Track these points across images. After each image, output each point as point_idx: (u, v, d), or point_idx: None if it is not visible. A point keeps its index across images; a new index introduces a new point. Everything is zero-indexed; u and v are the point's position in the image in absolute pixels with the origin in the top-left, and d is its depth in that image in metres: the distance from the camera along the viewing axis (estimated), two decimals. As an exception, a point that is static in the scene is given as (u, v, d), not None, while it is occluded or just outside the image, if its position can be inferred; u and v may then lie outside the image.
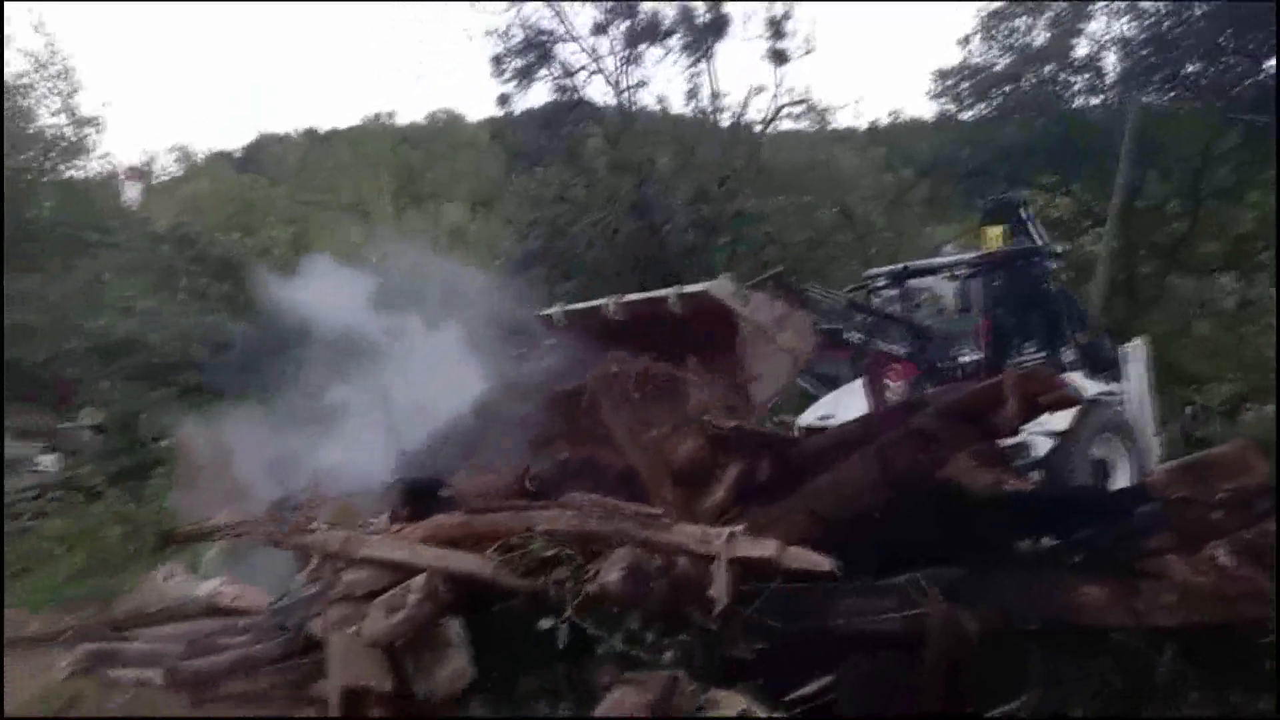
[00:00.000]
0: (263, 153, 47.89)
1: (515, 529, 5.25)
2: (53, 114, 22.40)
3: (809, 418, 8.93)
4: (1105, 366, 9.64)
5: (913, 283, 9.44)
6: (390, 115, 49.86)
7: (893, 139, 28.51)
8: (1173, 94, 20.40)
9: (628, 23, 23.14)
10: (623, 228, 18.48)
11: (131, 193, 28.06)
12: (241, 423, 8.27)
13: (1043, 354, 9.41)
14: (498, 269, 20.36)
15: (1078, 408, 8.11)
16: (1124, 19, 21.12)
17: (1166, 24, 18.72)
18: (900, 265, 9.82)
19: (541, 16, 23.55)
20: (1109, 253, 19.78)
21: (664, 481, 5.96)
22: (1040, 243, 10.22)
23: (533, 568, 5.06)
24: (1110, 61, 22.93)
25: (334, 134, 48.75)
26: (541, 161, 21.59)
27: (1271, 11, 14.36)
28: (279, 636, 5.11)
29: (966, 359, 8.84)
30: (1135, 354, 9.75)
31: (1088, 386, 9.06)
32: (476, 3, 24.21)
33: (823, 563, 4.58)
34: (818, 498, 5.65)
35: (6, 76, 21.58)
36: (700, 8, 23.48)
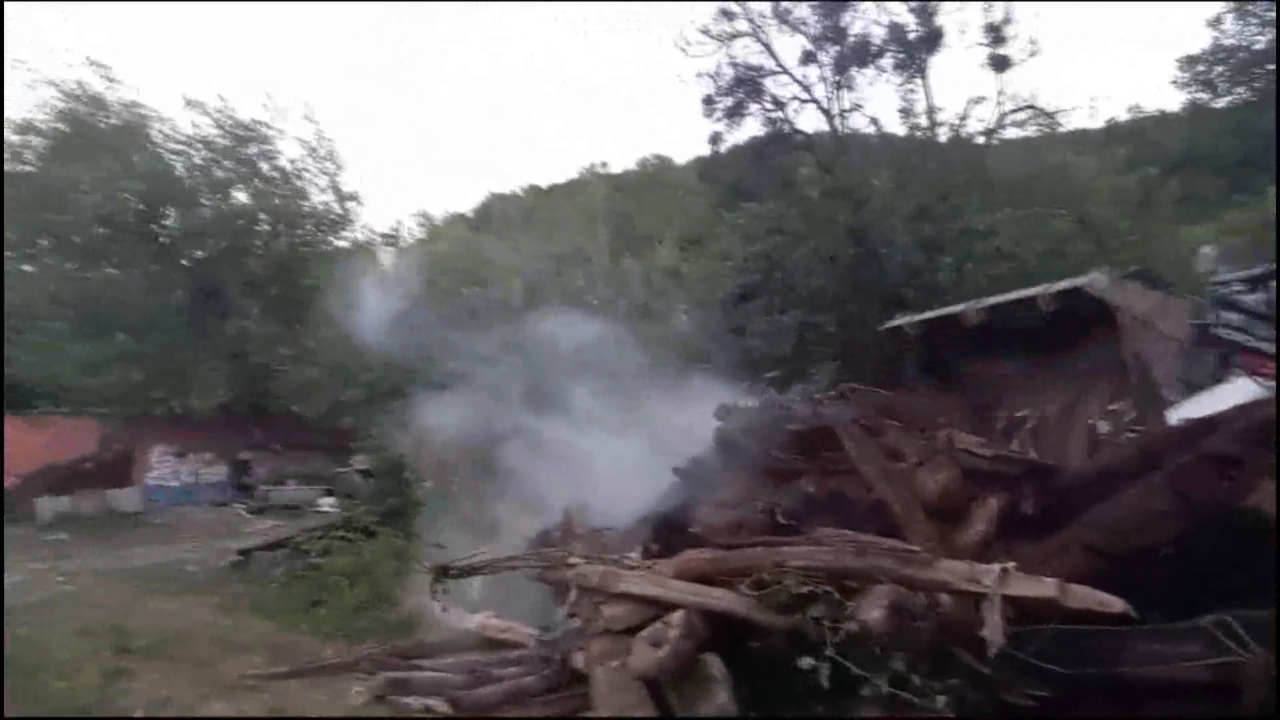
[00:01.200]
0: (492, 211, 51.64)
1: (766, 565, 5.20)
2: (321, 191, 25.41)
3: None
4: None
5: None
6: (604, 165, 52.27)
7: (1135, 136, 26.16)
8: None
9: (836, 48, 22.88)
10: (840, 254, 18.13)
11: (385, 257, 31.12)
12: (500, 462, 8.82)
13: None
14: (717, 305, 20.58)
15: None
16: None
17: None
18: (1261, 267, 9.15)
19: (750, 52, 23.82)
20: None
21: (917, 515, 5.70)
22: None
23: (787, 604, 4.98)
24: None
25: (554, 188, 51.71)
26: (754, 196, 21.68)
27: None
28: (546, 668, 5.35)
29: None
30: None
31: None
32: (687, 47, 24.74)
33: (1114, 603, 4.19)
34: (1097, 530, 5.19)
35: (286, 163, 24.71)
36: (912, 23, 22.83)
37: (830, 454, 6.77)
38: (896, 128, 24.18)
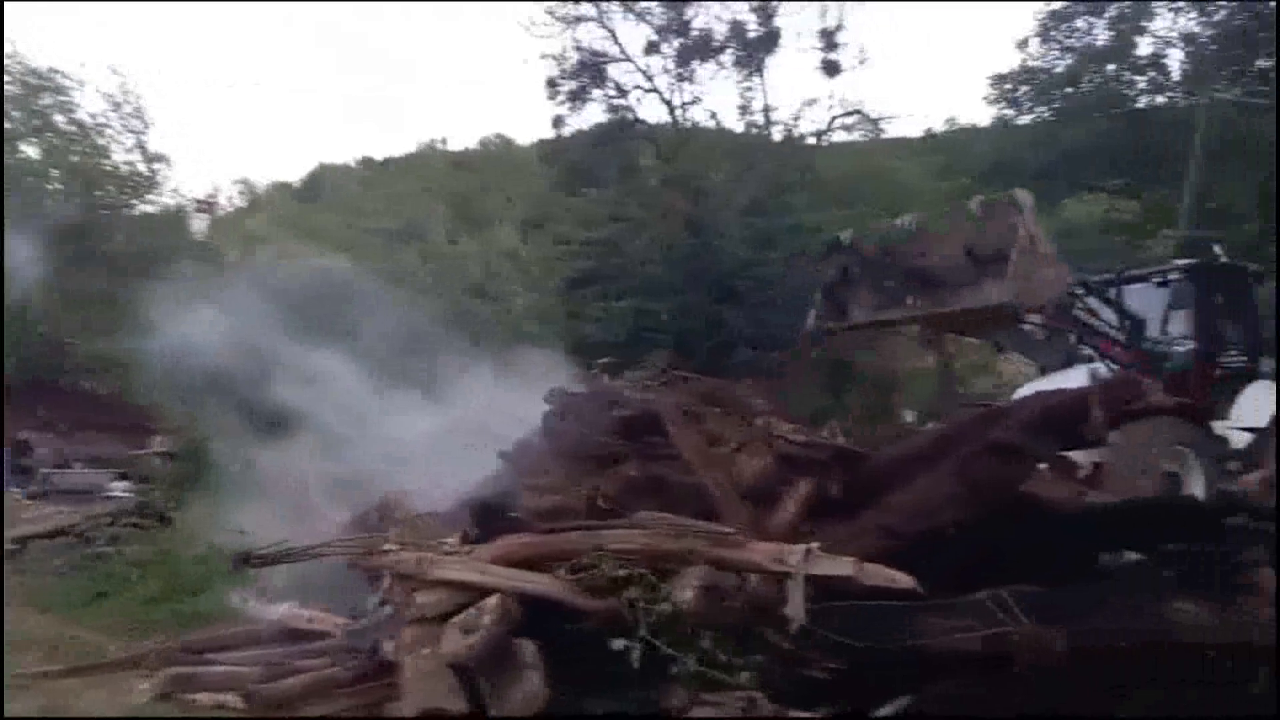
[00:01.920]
0: (321, 183, 49.16)
1: (586, 549, 5.21)
2: (127, 151, 23.31)
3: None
4: None
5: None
6: (444, 142, 50.85)
7: (950, 146, 28.08)
8: (1244, 90, 19.75)
9: (680, 41, 23.22)
10: (677, 244, 18.50)
11: (199, 224, 28.96)
12: (312, 446, 8.41)
13: (1244, 359, 10.04)
14: (553, 289, 20.53)
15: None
16: (1189, 14, 20.53)
17: (1237, 18, 18.15)
18: (1121, 267, 10.69)
19: (595, 37, 23.79)
20: (1179, 256, 19.15)
21: (733, 498, 5.88)
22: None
23: (605, 587, 5.01)
24: (1175, 58, 22.32)
25: (390, 162, 49.87)
26: (594, 181, 21.74)
27: None
28: (354, 659, 5.14)
29: (1181, 348, 9.52)
30: None
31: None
32: (531, 27, 24.43)
33: (903, 579, 4.46)
34: (894, 513, 5.52)
35: (85, 116, 22.50)
36: (752, 22, 23.49)
37: (654, 439, 6.86)
38: (735, 124, 24.90)
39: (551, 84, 24.01)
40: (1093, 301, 8.89)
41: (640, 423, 7.12)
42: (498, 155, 46.83)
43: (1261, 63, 19.13)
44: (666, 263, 18.43)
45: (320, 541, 6.53)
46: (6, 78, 21.36)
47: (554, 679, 5.00)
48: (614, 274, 19.01)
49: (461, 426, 8.42)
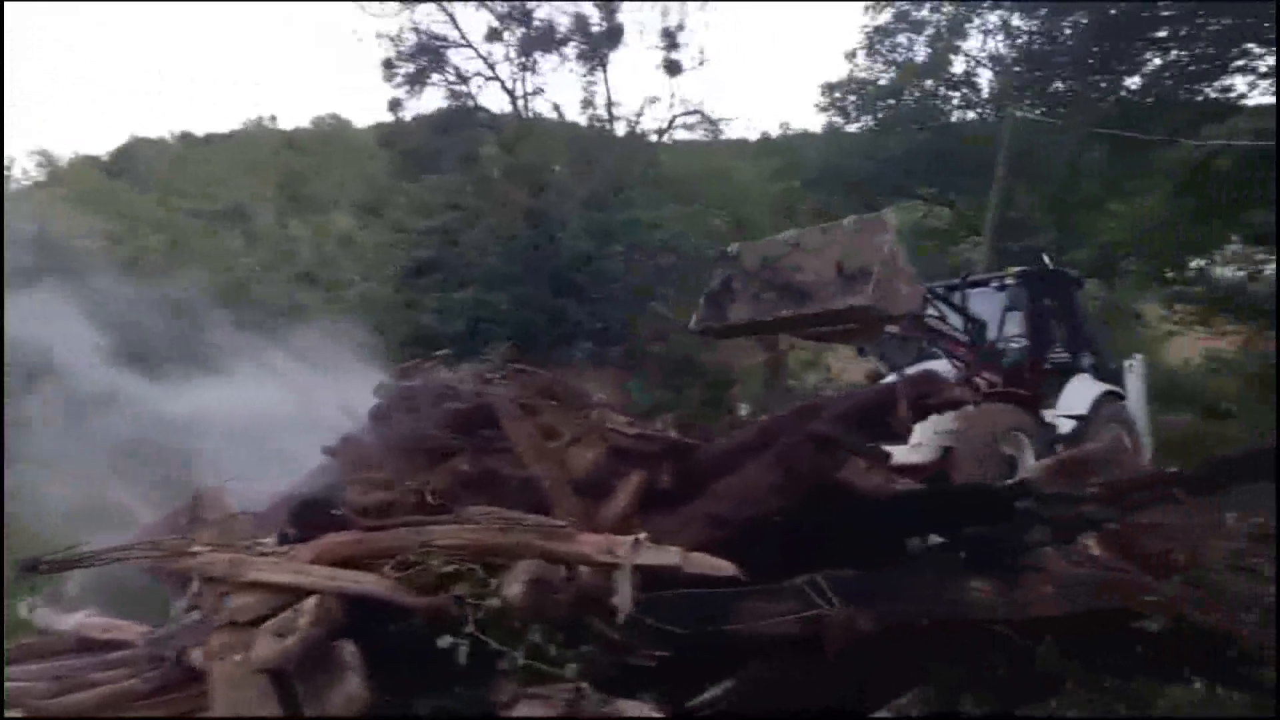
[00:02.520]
0: (134, 158, 45.40)
1: (412, 545, 5.09)
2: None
3: None
4: (1109, 375, 11.89)
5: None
6: (273, 119, 48.12)
7: (784, 150, 29.25)
8: (1043, 109, 21.62)
9: (522, 30, 23.00)
10: (518, 235, 18.34)
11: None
12: (111, 441, 7.79)
13: (1067, 355, 11.59)
14: (389, 277, 19.90)
15: (1096, 396, 10.91)
16: (998, 37, 22.25)
17: (1038, 42, 19.83)
18: (963, 275, 12.12)
19: (434, 21, 23.18)
20: (985, 262, 20.77)
21: (565, 491, 5.90)
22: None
23: (432, 584, 4.91)
24: (985, 78, 24.13)
25: (212, 138, 46.75)
26: (434, 168, 21.22)
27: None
28: (156, 668, 4.80)
29: (1016, 345, 10.89)
30: (1136, 366, 12.37)
31: (1099, 386, 11.27)
32: (367, 3, 23.47)
33: (724, 567, 4.62)
34: (720, 502, 5.71)
35: None
36: (595, 17, 23.56)
37: (488, 433, 6.79)
38: (577, 116, 24.91)
39: (389, 65, 23.25)
40: (941, 306, 9.88)
41: (474, 416, 7.03)
42: (332, 136, 44.84)
43: (1058, 85, 20.98)
44: (506, 254, 18.23)
45: (121, 544, 6.07)
46: None
47: (378, 680, 4.87)
48: (453, 264, 18.61)
49: (284, 420, 8.02)
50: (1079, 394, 11.01)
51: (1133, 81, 19.97)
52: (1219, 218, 20.37)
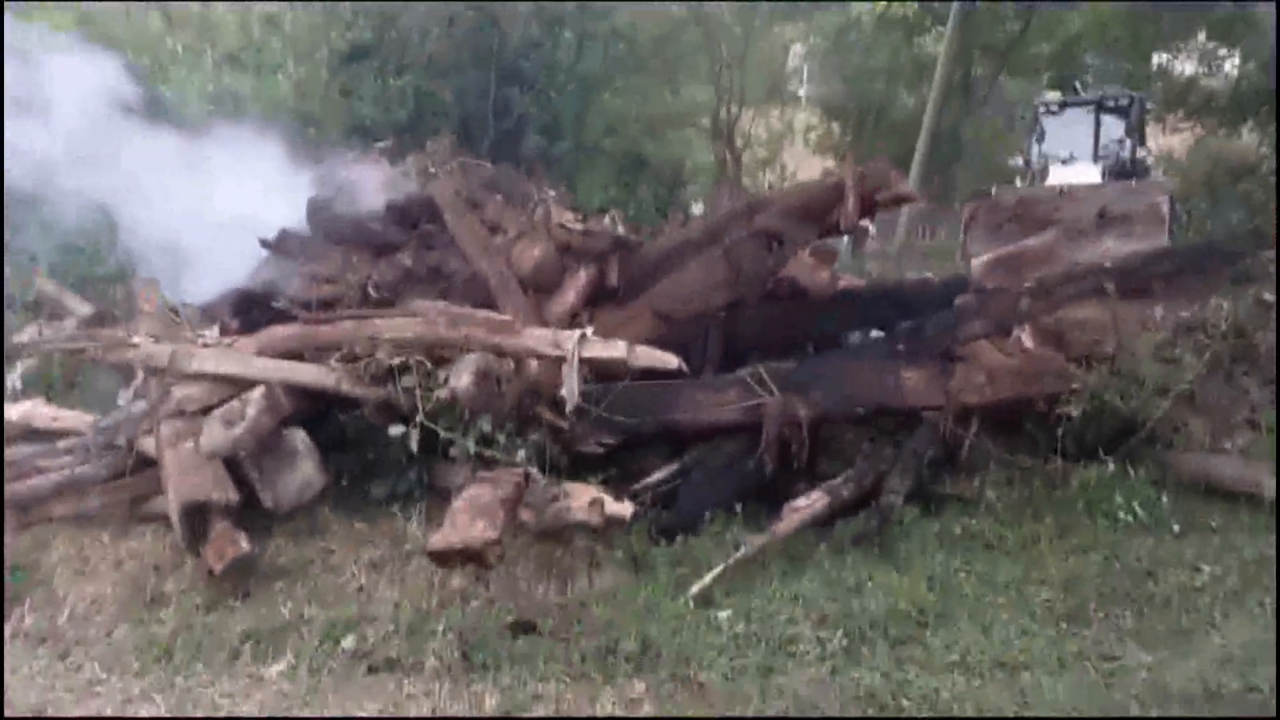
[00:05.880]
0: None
1: (359, 338, 5.08)
2: None
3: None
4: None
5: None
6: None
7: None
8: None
9: None
10: (459, 18, 17.13)
11: None
12: (44, 227, 7.47)
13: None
14: (323, 62, 18.66)
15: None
16: None
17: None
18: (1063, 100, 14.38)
19: None
20: (948, 53, 20.12)
21: (512, 286, 5.87)
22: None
23: (379, 376, 4.96)
24: None
25: (114, -103, 41.93)
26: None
27: None
28: (106, 456, 4.86)
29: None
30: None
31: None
32: None
33: (669, 360, 4.70)
34: (665, 298, 5.74)
35: None
36: None
37: (431, 227, 6.64)
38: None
39: None
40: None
41: (417, 210, 6.85)
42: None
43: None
44: (448, 38, 17.10)
45: (59, 335, 5.98)
46: None
47: (330, 465, 5.02)
48: (391, 48, 17.43)
49: (220, 213, 7.72)
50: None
51: None
52: (1183, 8, 19.77)
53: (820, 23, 30.52)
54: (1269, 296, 5.49)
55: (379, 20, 17.62)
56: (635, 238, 6.56)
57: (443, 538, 3.81)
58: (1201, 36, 22.29)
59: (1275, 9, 11.91)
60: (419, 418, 4.76)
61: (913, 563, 4.38)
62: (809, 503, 4.78)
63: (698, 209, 19.83)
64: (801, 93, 31.16)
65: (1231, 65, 21.82)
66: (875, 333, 6.59)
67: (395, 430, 4.78)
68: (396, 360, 4.95)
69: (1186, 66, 23.03)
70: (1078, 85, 16.42)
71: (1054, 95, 15.51)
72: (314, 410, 5.11)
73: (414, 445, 4.76)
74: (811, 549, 4.59)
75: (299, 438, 4.74)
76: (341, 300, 6.33)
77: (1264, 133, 18.86)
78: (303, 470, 4.68)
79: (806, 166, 23.64)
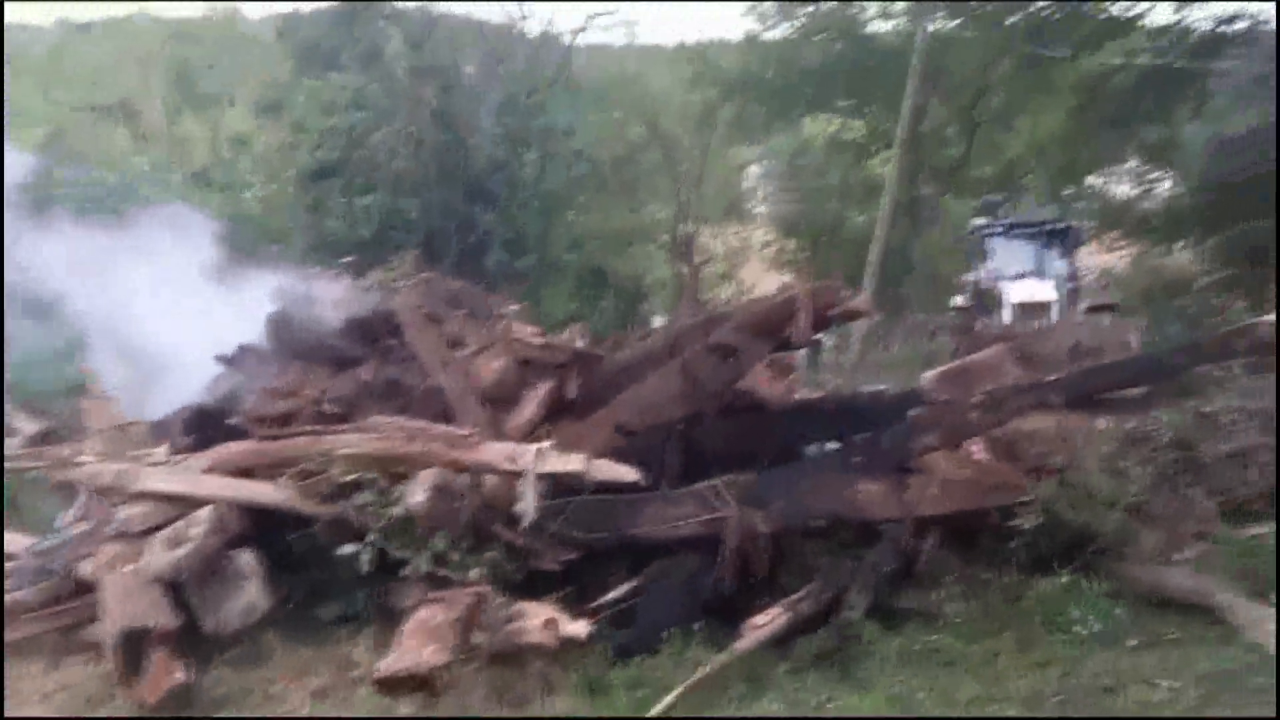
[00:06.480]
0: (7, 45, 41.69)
1: (312, 454, 5.03)
2: None
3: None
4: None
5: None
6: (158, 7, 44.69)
7: (699, 58, 28.69)
8: (956, 23, 21.67)
9: (427, -84, 21.68)
10: (427, 138, 17.64)
11: None
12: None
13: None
14: (291, 180, 19.02)
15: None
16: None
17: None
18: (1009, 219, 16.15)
19: (332, -96, 21.63)
20: (896, 174, 21.03)
21: (470, 400, 5.88)
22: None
23: (333, 493, 4.89)
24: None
25: (93, 26, 43.21)
26: (334, 64, 20.11)
27: None
28: (43, 580, 4.68)
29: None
30: None
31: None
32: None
33: (628, 473, 4.71)
34: (624, 411, 5.78)
35: None
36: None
37: (391, 341, 6.68)
38: (488, 15, 23.83)
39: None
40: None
41: (377, 324, 6.89)
42: (224, 27, 41.96)
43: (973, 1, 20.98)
44: (415, 158, 17.56)
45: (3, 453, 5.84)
46: None
47: (278, 587, 4.86)
48: (358, 167, 17.84)
49: (182, 329, 7.70)
50: None
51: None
52: (1114, 134, 21.01)
53: (775, 145, 31.95)
54: (1208, 409, 5.65)
55: (347, 139, 18.10)
56: (595, 351, 6.66)
57: (390, 664, 3.69)
58: (1133, 161, 23.64)
59: (1276, 9, 12.47)
60: (370, 536, 4.68)
61: (873, 682, 4.30)
62: (769, 619, 4.71)
63: (659, 322, 20.20)
64: (758, 211, 32.27)
65: (1163, 187, 23.08)
66: (831, 445, 6.65)
67: (346, 549, 4.69)
68: (351, 477, 4.90)
69: (1120, 189, 24.29)
70: (1000, 212, 17.93)
71: (981, 220, 17.26)
72: (263, 529, 5.00)
73: (365, 565, 4.67)
74: (771, 668, 4.49)
75: (245, 559, 4.62)
76: (297, 416, 6.28)
77: (1196, 251, 19.81)
78: (247, 593, 4.54)
79: (764, 281, 24.26)
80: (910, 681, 4.29)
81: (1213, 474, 5.47)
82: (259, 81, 31.49)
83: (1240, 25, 18.46)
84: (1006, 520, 5.06)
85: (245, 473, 5.12)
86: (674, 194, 25.61)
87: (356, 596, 4.81)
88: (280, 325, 7.08)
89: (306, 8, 22.91)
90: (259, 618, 4.60)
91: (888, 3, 23.72)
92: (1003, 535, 5.09)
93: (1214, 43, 18.39)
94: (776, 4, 26.03)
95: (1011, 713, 3.99)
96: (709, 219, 27.42)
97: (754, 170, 34.12)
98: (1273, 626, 4.37)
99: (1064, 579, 4.93)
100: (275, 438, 5.34)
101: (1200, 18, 18.89)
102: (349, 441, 5.11)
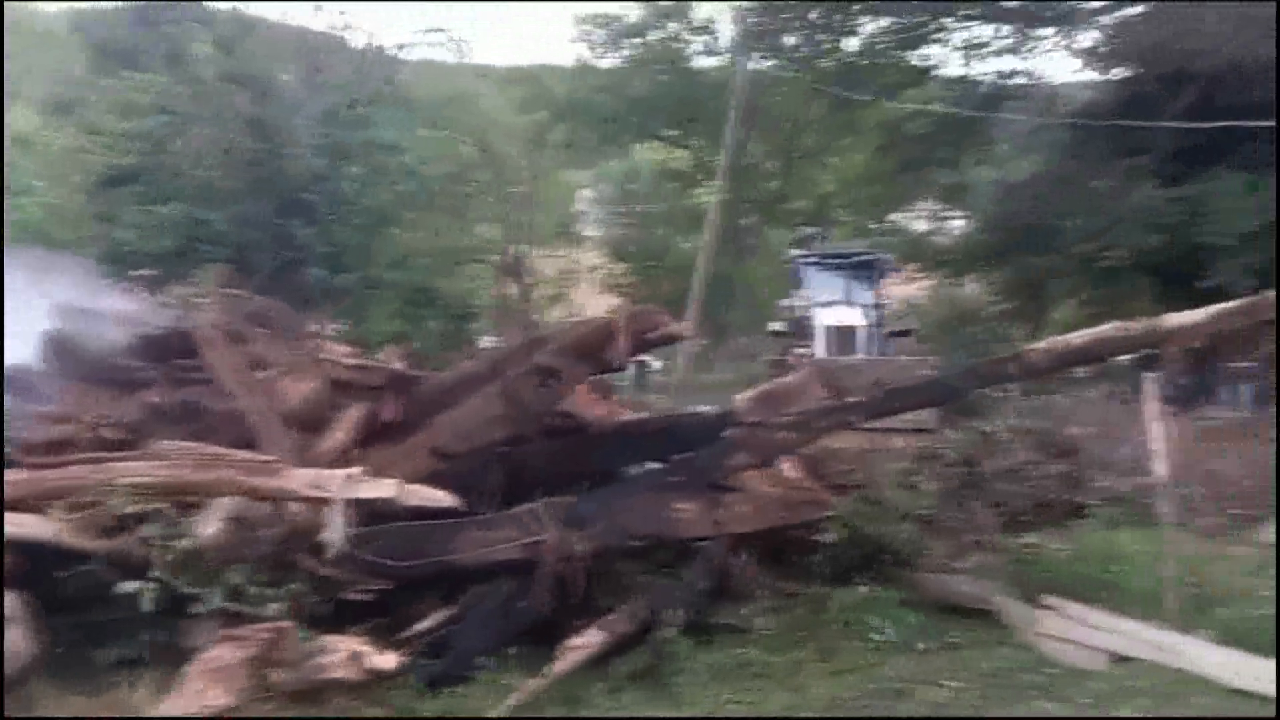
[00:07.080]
0: None
1: (91, 484, 4.59)
2: None
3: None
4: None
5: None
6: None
7: (530, 80, 28.80)
8: (774, 61, 22.81)
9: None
10: (238, 147, 16.65)
11: None
12: None
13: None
14: (81, 186, 17.48)
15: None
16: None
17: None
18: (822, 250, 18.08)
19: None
20: (719, 206, 21.82)
21: (275, 424, 5.55)
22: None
23: (113, 526, 4.48)
24: (726, 27, 25.00)
25: None
26: (134, 64, 18.70)
27: None
28: None
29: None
30: None
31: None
32: None
33: (441, 498, 4.59)
34: (443, 434, 5.64)
35: None
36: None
37: (186, 362, 6.22)
38: (309, 22, 22.92)
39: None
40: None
41: (171, 343, 6.41)
42: (11, 19, 38.14)
43: (788, 40, 22.14)
44: (224, 167, 16.53)
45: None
46: None
47: (48, 630, 4.40)
48: (158, 174, 16.59)
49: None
50: None
51: (851, 43, 21.56)
52: (911, 175, 22.77)
53: (605, 170, 32.46)
54: (989, 429, 6.16)
55: (147, 145, 16.81)
56: (412, 372, 6.47)
57: (168, 708, 3.40)
58: (930, 200, 25.70)
59: (1276, 9, 12.90)
60: (156, 571, 4.32)
61: (687, 697, 4.39)
62: (585, 641, 4.71)
63: (487, 342, 19.91)
64: (589, 234, 32.63)
65: (956, 225, 25.19)
66: (651, 465, 6.77)
67: (126, 587, 4.30)
68: (134, 508, 4.50)
69: (919, 225, 26.30)
70: (814, 243, 19.92)
71: (797, 251, 18.60)
72: (34, 567, 4.51)
73: (145, 603, 4.30)
74: (588, 689, 4.50)
75: (9, 602, 4.15)
76: (74, 443, 5.72)
77: (984, 284, 21.70)
78: (9, 639, 4.07)
79: (594, 304, 24.51)
80: (721, 694, 4.42)
81: (991, 489, 5.96)
82: (48, 77, 28.83)
83: (1019, 80, 20.55)
84: (812, 535, 5.33)
85: (13, 505, 4.60)
86: (504, 214, 25.44)
87: (138, 638, 4.42)
88: (59, 344, 6.47)
89: (106, 6, 21.22)
90: (24, 665, 4.13)
91: (712, 39, 24.72)
92: (809, 549, 5.35)
93: (997, 96, 20.34)
94: (606, 32, 26.59)
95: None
96: (540, 240, 27.41)
97: (586, 194, 34.52)
98: (1041, 627, 4.82)
99: (863, 589, 5.24)
100: (48, 466, 4.84)
101: (985, 71, 20.79)
102: (133, 469, 4.70)
